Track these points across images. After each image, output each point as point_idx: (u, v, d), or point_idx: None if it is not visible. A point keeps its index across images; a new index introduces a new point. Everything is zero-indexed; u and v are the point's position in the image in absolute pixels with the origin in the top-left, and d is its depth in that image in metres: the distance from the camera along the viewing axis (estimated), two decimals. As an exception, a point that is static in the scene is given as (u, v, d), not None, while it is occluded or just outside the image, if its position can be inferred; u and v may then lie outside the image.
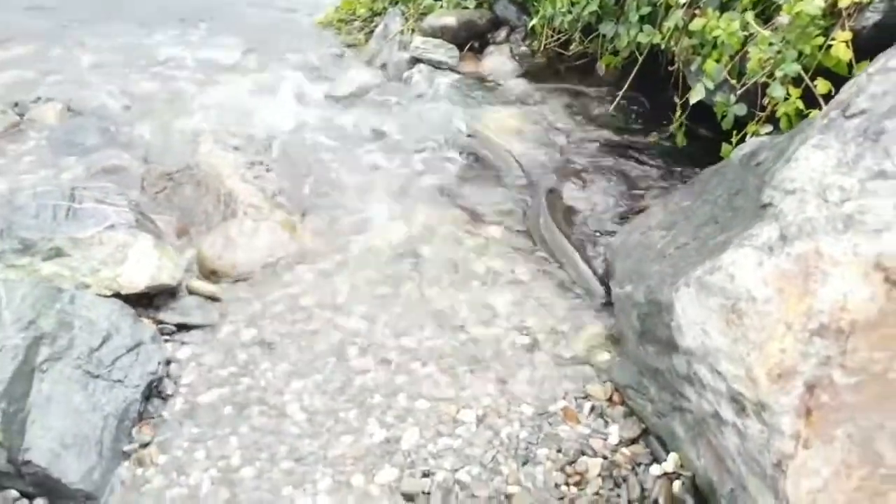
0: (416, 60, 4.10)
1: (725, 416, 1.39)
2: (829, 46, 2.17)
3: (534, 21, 4.08)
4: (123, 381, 1.91)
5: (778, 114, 2.28)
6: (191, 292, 2.39)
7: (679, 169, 3.11)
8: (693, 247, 1.69)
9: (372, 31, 4.78)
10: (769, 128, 2.44)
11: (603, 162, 3.21)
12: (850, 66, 2.16)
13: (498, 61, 4.15)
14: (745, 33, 2.55)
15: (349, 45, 4.80)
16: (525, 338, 2.20)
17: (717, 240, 1.55)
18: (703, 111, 2.92)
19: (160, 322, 2.23)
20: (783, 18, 2.27)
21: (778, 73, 2.26)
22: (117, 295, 2.19)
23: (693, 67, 2.99)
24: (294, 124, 3.65)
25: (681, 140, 3.10)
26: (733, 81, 2.65)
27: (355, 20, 5.06)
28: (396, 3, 4.73)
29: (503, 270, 2.52)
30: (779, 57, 2.29)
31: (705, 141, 3.26)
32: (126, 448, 1.82)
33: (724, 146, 2.54)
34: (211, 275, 2.48)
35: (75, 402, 1.78)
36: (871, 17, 2.17)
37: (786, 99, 2.27)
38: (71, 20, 5.49)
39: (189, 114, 3.84)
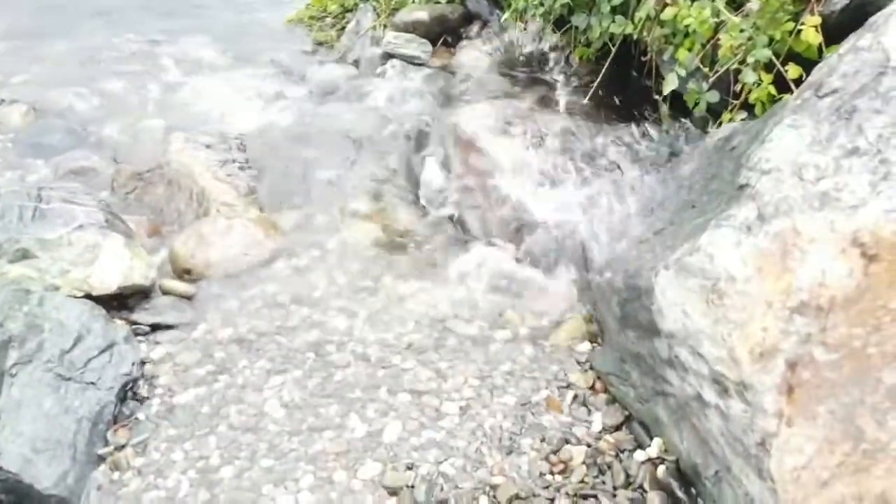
0: (388, 56, 4.07)
1: (708, 399, 1.39)
2: (799, 31, 2.19)
3: (506, 15, 4.08)
4: (96, 384, 1.86)
5: (751, 99, 2.30)
6: (164, 292, 2.34)
7: (656, 156, 3.12)
8: (670, 231, 1.70)
9: (343, 28, 4.74)
10: (744, 114, 2.45)
11: (580, 152, 3.21)
12: (819, 50, 2.18)
13: (471, 55, 4.13)
14: (717, 21, 2.56)
15: (321, 43, 4.75)
16: (505, 331, 2.19)
17: (695, 223, 1.55)
18: (680, 100, 2.94)
19: (134, 323, 2.18)
20: (753, 5, 2.28)
21: (749, 59, 2.27)
22: (88, 296, 2.13)
23: (666, 57, 3.00)
24: (266, 122, 3.60)
25: (665, 127, 3.11)
26: (706, 69, 2.67)
27: (326, 17, 5.01)
28: (367, -2, 4.70)
29: (483, 263, 2.51)
30: (750, 43, 2.30)
31: (683, 130, 3.29)
32: (101, 451, 1.77)
33: (703, 136, 2.55)
34: (184, 274, 2.43)
35: (46, 406, 1.73)
36: (839, 1, 2.19)
37: (758, 84, 2.28)
38: (33, 19, 5.38)
39: (158, 113, 3.78)
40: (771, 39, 2.26)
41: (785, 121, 1.43)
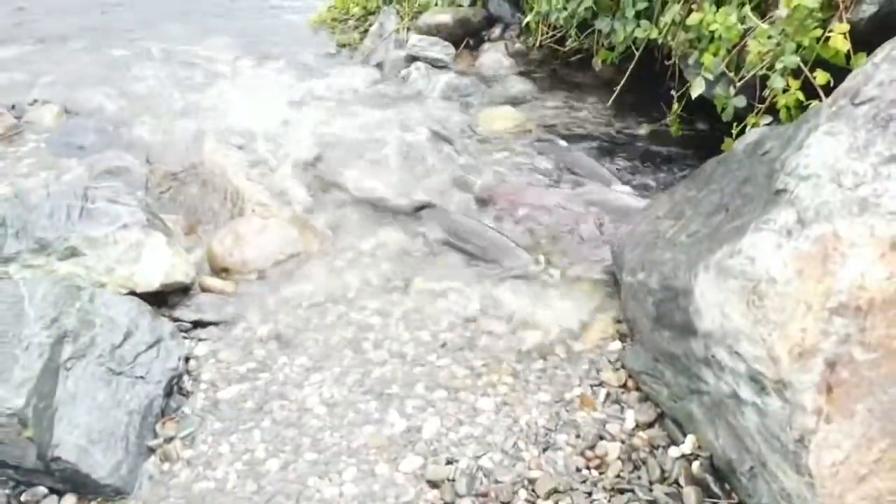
0: (412, 58, 4.14)
1: (745, 396, 1.44)
2: (828, 38, 2.23)
3: (528, 18, 4.13)
4: (145, 378, 1.93)
5: (778, 105, 2.34)
6: (204, 290, 2.41)
7: (679, 160, 3.17)
8: (705, 233, 1.74)
9: (366, 30, 4.81)
10: (768, 119, 2.50)
11: (604, 155, 3.26)
12: (847, 57, 2.22)
13: (494, 58, 4.19)
14: (743, 27, 2.61)
15: (344, 45, 4.82)
16: (536, 331, 2.24)
17: (731, 225, 1.60)
18: (699, 105, 2.99)
19: (176, 319, 2.25)
20: (781, 11, 2.33)
21: (778, 66, 2.32)
22: (132, 293, 2.20)
23: (690, 61, 3.04)
24: (293, 123, 3.66)
25: (676, 130, 3.16)
26: (731, 74, 2.71)
27: (349, 19, 5.08)
28: (391, 1, 4.76)
29: (512, 265, 2.56)
30: (778, 49, 2.35)
31: (702, 133, 3.35)
32: (151, 443, 1.83)
33: (726, 139, 2.59)
34: (222, 272, 2.50)
35: (100, 399, 1.80)
36: (868, 9, 2.24)
37: (785, 90, 2.33)
38: (59, 22, 5.47)
39: (187, 114, 3.85)
40: (799, 46, 2.31)
41: (821, 128, 1.47)
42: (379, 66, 4.38)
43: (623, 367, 2.04)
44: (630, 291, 2.04)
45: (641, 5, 3.31)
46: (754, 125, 2.52)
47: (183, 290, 2.39)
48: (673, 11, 3.04)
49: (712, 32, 2.76)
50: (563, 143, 3.37)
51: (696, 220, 1.88)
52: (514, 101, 3.81)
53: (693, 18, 2.82)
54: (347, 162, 3.24)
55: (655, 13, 3.25)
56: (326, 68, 4.45)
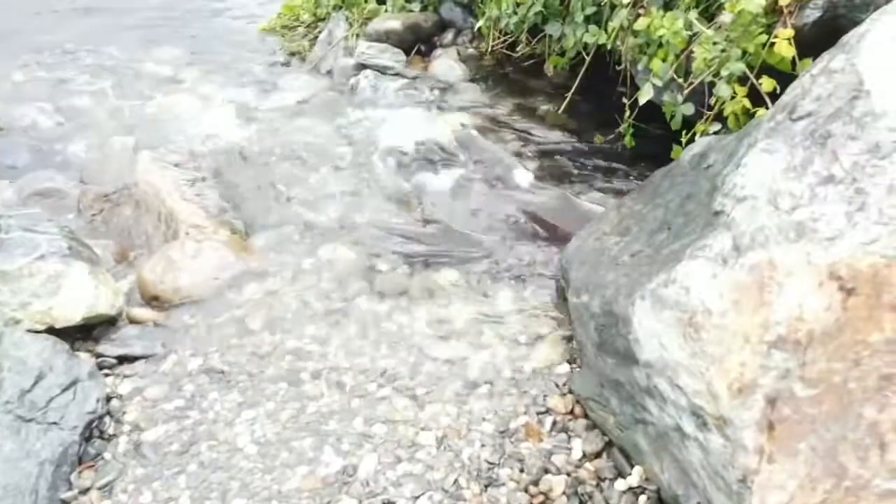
0: (361, 66, 4.02)
1: (687, 430, 1.36)
2: (773, 44, 2.17)
3: (480, 23, 4.05)
4: (59, 423, 1.79)
5: (725, 113, 2.28)
6: (131, 321, 2.27)
7: (631, 169, 3.11)
8: (647, 254, 1.66)
9: (316, 38, 4.67)
10: (717, 126, 2.44)
11: (554, 163, 3.18)
12: (793, 63, 2.17)
13: (446, 64, 4.09)
14: (690, 32, 2.54)
15: (293, 53, 4.69)
16: (483, 352, 2.14)
17: (671, 248, 1.52)
18: (653, 109, 2.92)
19: (99, 355, 2.11)
20: (726, 17, 2.26)
21: (723, 72, 2.25)
22: (51, 329, 2.07)
23: (640, 67, 2.98)
24: (237, 137, 3.53)
25: (629, 141, 3.08)
26: (680, 80, 2.65)
27: (299, 26, 4.94)
28: (340, 7, 4.64)
29: (459, 283, 2.47)
30: (724, 56, 2.28)
31: (658, 139, 3.27)
32: (64, 496, 1.70)
33: (675, 147, 2.53)
34: (152, 301, 2.37)
35: (6, 451, 1.66)
36: (812, 14, 2.18)
37: (732, 98, 2.27)
38: (-2, 34, 5.25)
39: (126, 130, 3.69)
40: (744, 52, 2.24)
41: (759, 144, 1.40)
42: (329, 74, 4.26)
43: (570, 391, 1.95)
44: (576, 313, 1.95)
45: (590, 10, 3.25)
46: (703, 133, 2.46)
47: (109, 322, 2.25)
48: (621, 16, 2.97)
49: (660, 38, 2.69)
50: (515, 149, 3.29)
51: (640, 238, 1.80)
52: (466, 108, 3.72)
53: (640, 23, 2.76)
54: (291, 177, 3.12)
55: (605, 18, 3.19)
56: (274, 78, 4.32)
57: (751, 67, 2.25)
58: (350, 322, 2.29)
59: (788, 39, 2.13)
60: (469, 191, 2.97)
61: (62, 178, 3.23)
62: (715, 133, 2.38)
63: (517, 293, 2.39)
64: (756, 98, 2.24)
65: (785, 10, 2.19)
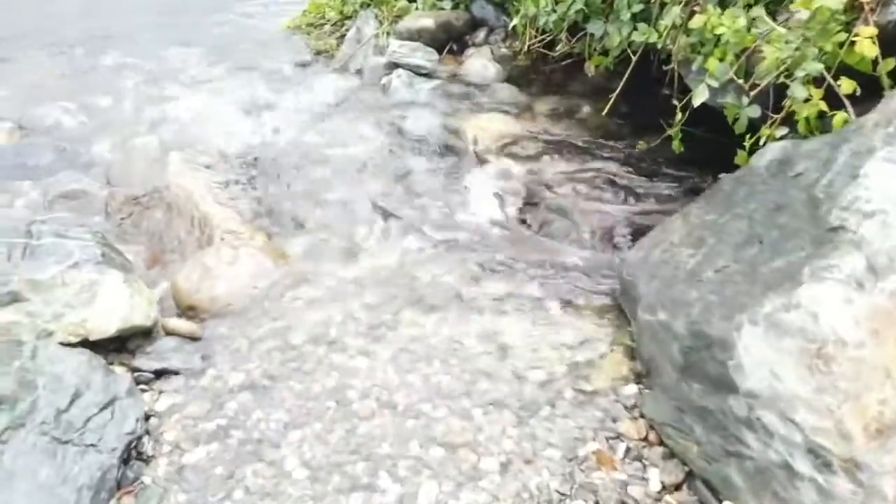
0: (393, 65, 3.89)
1: (800, 470, 1.22)
2: (853, 43, 2.03)
3: (514, 21, 3.92)
4: (97, 445, 1.67)
5: (797, 116, 2.14)
6: (168, 332, 2.15)
7: (680, 175, 2.97)
8: (738, 271, 1.53)
9: (343, 36, 4.55)
10: (784, 130, 2.29)
11: (600, 169, 3.05)
12: (874, 63, 2.03)
13: (479, 64, 3.96)
14: (753, 30, 2.40)
15: (320, 51, 4.57)
16: (540, 370, 2.01)
17: (772, 266, 1.38)
18: (700, 112, 2.78)
19: (135, 370, 1.99)
20: (801, 14, 2.12)
21: (798, 73, 2.11)
22: (85, 342, 1.95)
23: (693, 67, 2.84)
24: (268, 139, 3.42)
25: (678, 146, 2.93)
26: (740, 81, 2.51)
27: (325, 24, 4.82)
28: (368, 5, 4.52)
29: (509, 294, 2.34)
30: (798, 55, 2.14)
31: (706, 144, 3.12)
32: (104, 525, 1.58)
33: (739, 152, 2.39)
34: (188, 311, 2.25)
35: (42, 476, 1.54)
36: (896, 11, 2.04)
37: (807, 100, 2.12)
38: (17, 31, 5.15)
39: (152, 130, 3.58)
40: (821, 51, 2.10)
41: (879, 153, 1.26)
42: (358, 73, 4.13)
43: (642, 415, 1.82)
44: (649, 331, 1.82)
45: (637, 7, 3.11)
46: (769, 137, 2.31)
47: (144, 334, 2.13)
48: (673, 14, 2.83)
49: (717, 36, 2.55)
50: (554, 153, 3.16)
51: (724, 253, 1.66)
52: (502, 110, 3.58)
53: (696, 21, 2.61)
54: (326, 180, 3.00)
55: (654, 15, 3.05)
56: (302, 77, 4.20)
57: (827, 68, 2.11)
58: (397, 335, 2.17)
59: (871, 38, 1.98)
60: (515, 197, 2.84)
61: (88, 179, 3.12)
62: (782, 138, 2.24)
63: (571, 304, 2.26)
64: (832, 100, 2.10)
65: (866, 8, 2.05)
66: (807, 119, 2.17)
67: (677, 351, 1.60)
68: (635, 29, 3.06)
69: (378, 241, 2.60)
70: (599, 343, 2.10)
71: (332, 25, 4.77)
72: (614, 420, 1.83)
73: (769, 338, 1.25)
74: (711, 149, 2.65)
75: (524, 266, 2.45)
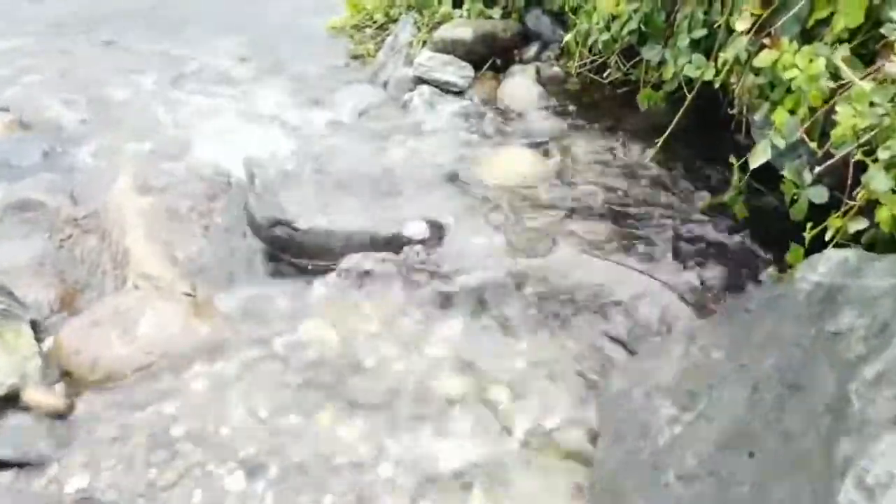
0: (419, 80, 3.40)
1: None
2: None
3: (568, 37, 3.33)
4: None
5: (878, 216, 1.48)
6: (27, 406, 1.77)
7: (743, 250, 2.28)
8: (707, 489, 0.94)
9: (384, 41, 4.10)
10: (863, 223, 1.62)
11: (640, 232, 2.41)
12: None
13: (521, 85, 3.39)
14: (833, 80, 1.74)
15: (356, 56, 4.14)
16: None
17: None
18: (770, 171, 2.11)
19: (-39, 455, 1.62)
20: (892, 67, 1.46)
21: (882, 154, 1.45)
22: None
23: (759, 116, 2.19)
24: (263, 154, 2.99)
25: (740, 211, 2.27)
26: (813, 145, 1.85)
27: (369, 26, 4.39)
28: (412, 8, 4.04)
29: (471, 392, 1.81)
30: (885, 126, 1.48)
31: (771, 208, 2.41)
32: None
33: (793, 247, 1.74)
34: (64, 377, 1.86)
35: None
36: None
37: (894, 192, 1.46)
38: (41, 20, 5.01)
39: (147, 134, 3.27)
40: (921, 124, 1.44)
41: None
42: (384, 85, 3.67)
43: None
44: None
45: (699, 33, 2.46)
46: (838, 231, 1.65)
47: (6, 401, 1.76)
48: (738, 46, 2.18)
49: (790, 80, 1.90)
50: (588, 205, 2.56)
51: (705, 439, 1.07)
52: (533, 143, 3.01)
53: (763, 58, 1.97)
54: (305, 208, 2.53)
55: (716, 45, 2.40)
56: (326, 85, 3.77)
57: (929, 147, 1.44)
58: (302, 442, 1.69)
59: None
60: (510, 255, 2.28)
61: (55, 188, 2.82)
62: (857, 238, 1.59)
63: (539, 433, 1.70)
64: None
65: None
66: (894, 217, 1.51)
67: None
68: (690, 61, 2.41)
69: (325, 306, 2.12)
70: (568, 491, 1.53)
71: (375, 28, 4.33)
72: None
73: None
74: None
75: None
